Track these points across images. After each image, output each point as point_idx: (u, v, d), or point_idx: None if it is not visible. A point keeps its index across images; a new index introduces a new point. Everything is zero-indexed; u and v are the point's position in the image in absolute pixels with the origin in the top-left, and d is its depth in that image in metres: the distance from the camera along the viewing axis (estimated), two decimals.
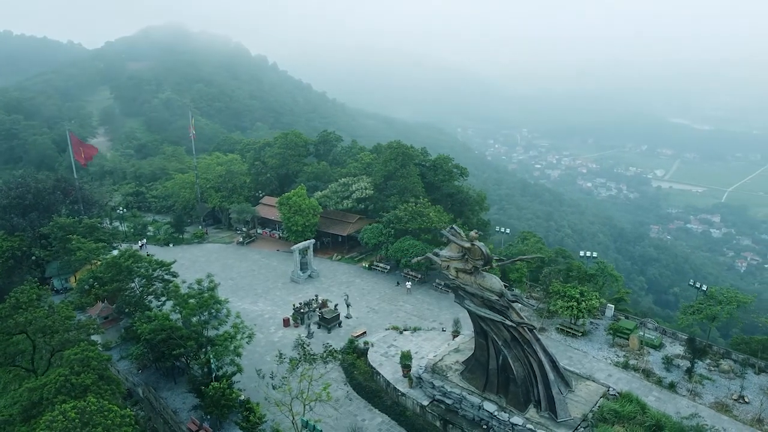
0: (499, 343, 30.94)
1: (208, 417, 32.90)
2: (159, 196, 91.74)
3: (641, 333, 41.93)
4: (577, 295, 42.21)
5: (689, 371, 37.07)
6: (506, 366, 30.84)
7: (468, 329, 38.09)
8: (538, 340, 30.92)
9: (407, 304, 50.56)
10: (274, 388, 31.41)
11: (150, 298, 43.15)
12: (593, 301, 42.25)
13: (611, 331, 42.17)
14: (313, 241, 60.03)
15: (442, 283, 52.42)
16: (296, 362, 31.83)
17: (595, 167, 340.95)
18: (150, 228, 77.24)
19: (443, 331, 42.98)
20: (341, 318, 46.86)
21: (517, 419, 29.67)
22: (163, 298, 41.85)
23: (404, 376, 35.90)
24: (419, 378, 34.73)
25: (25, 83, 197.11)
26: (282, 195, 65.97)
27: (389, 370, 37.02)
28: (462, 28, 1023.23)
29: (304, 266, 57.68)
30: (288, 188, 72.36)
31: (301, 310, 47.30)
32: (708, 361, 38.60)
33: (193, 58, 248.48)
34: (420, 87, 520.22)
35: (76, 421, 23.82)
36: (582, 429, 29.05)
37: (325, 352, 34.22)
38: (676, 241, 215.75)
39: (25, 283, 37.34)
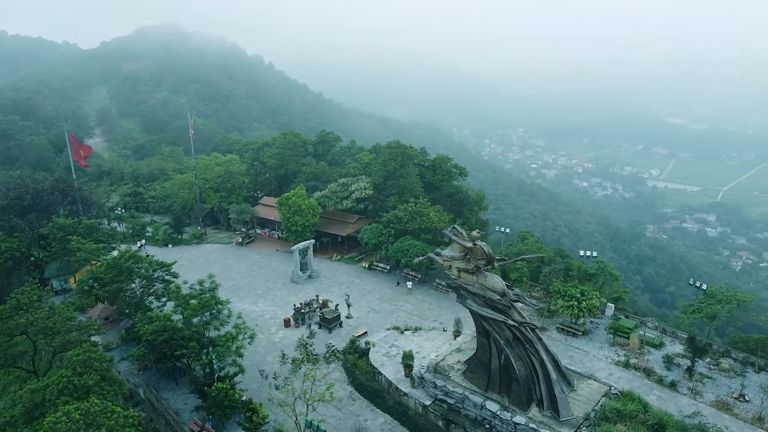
0: (501, 342, 31.02)
1: (210, 418, 32.86)
2: (157, 196, 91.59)
3: (641, 332, 42.12)
4: (578, 295, 42.35)
5: (690, 370, 37.29)
6: (508, 365, 30.92)
7: (469, 329, 38.21)
8: (540, 339, 30.96)
9: (408, 304, 50.61)
10: (277, 388, 31.47)
11: (150, 299, 43.03)
12: (594, 301, 42.42)
13: (612, 331, 42.32)
14: (312, 241, 60.02)
15: (443, 283, 52.47)
16: (299, 362, 31.86)
17: (590, 167, 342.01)
18: (149, 229, 77.09)
19: (444, 330, 43.07)
20: (342, 318, 46.85)
21: (519, 418, 29.78)
22: (164, 299, 41.72)
23: (406, 375, 35.96)
24: (421, 378, 34.78)
25: (20, 83, 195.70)
26: (281, 195, 65.90)
27: (391, 370, 37.09)
28: (462, 28, 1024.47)
29: (304, 266, 57.66)
30: (287, 188, 72.32)
31: (302, 311, 47.31)
32: (708, 359, 38.83)
33: (189, 59, 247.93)
34: (420, 87, 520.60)
35: (80, 422, 23.74)
36: (584, 428, 29.15)
37: (327, 352, 34.25)
38: (672, 241, 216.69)
39: (26, 284, 37.26)
